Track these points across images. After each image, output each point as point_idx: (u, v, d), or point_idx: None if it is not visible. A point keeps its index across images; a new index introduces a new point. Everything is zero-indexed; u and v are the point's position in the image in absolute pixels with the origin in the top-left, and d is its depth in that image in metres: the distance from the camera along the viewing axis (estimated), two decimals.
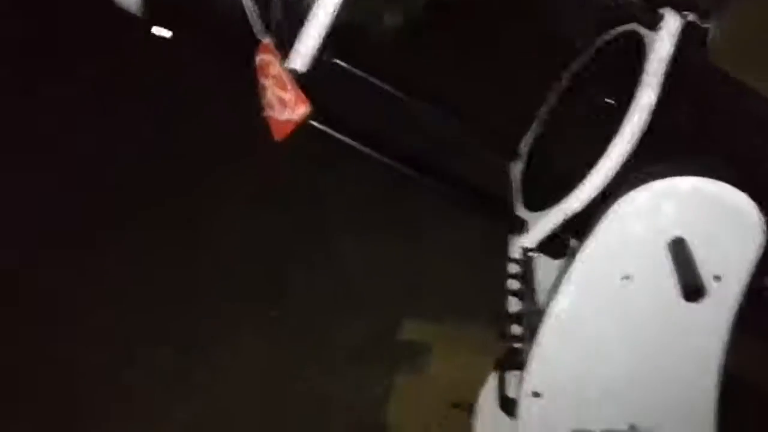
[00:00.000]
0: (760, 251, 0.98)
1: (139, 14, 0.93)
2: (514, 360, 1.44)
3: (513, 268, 1.46)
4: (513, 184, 1.26)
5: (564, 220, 1.02)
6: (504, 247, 1.32)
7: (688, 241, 0.96)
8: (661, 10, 1.01)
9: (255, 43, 0.87)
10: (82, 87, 2.90)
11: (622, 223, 0.97)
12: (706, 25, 1.01)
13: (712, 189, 0.93)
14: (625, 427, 1.23)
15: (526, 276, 1.39)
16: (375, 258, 2.30)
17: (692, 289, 0.91)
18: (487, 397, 1.64)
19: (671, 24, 0.99)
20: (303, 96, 0.87)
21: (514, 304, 1.43)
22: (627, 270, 1.01)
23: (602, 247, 1.00)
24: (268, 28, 0.86)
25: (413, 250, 2.32)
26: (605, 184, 0.97)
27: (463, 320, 1.98)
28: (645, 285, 1.01)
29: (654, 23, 1.00)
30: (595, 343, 1.10)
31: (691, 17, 1.00)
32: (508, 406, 1.48)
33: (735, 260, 0.97)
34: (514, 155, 1.28)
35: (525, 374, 1.17)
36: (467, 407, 1.70)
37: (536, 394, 1.17)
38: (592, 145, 1.14)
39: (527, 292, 1.38)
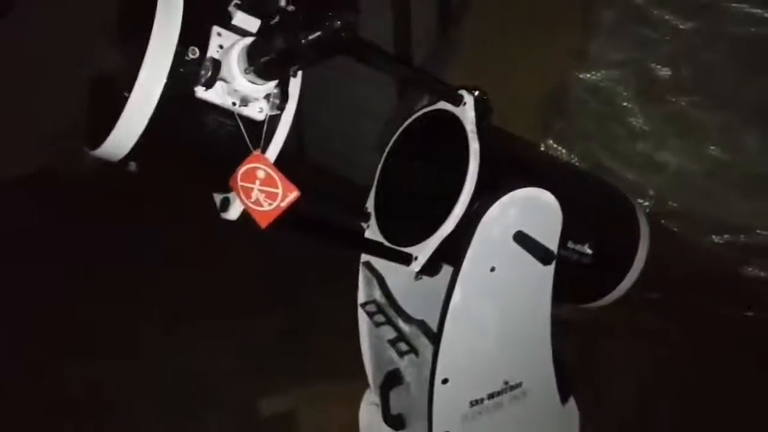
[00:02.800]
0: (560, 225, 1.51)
1: (128, 164, 1.14)
2: (396, 378, 1.81)
3: (371, 308, 1.84)
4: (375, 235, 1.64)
5: (442, 240, 1.42)
6: None
7: (526, 231, 1.47)
8: (459, 91, 1.50)
9: (242, 158, 1.15)
10: None
11: (485, 231, 1.39)
12: (486, 97, 1.54)
13: (534, 193, 1.40)
14: (502, 385, 1.67)
15: (393, 304, 1.78)
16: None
17: (547, 255, 1.40)
18: (370, 427, 1.91)
19: (470, 99, 1.47)
20: (292, 185, 1.16)
21: (388, 333, 1.80)
22: (492, 263, 1.44)
23: (474, 250, 1.40)
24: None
25: None
26: (465, 209, 1.42)
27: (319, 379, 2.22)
28: (504, 270, 1.44)
29: (458, 100, 1.50)
30: (480, 323, 1.48)
31: (477, 93, 1.53)
32: (396, 421, 1.83)
33: (552, 235, 1.45)
34: (366, 215, 1.69)
35: (435, 367, 1.53)
36: None
37: (445, 381, 1.49)
38: (430, 187, 1.60)
39: (398, 315, 1.75)
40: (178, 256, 2.86)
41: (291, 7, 1.10)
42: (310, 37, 0.96)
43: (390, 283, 1.71)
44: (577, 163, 2.46)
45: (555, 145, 2.51)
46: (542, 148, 2.51)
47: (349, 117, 3.27)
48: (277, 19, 1.11)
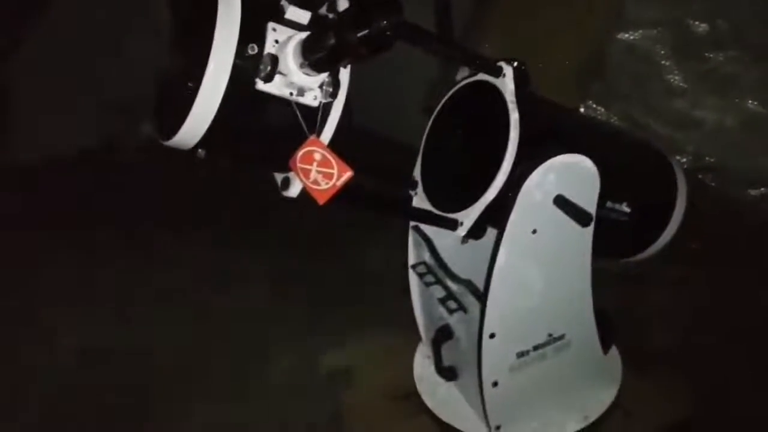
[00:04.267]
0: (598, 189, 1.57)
1: (197, 151, 1.25)
2: (446, 333, 1.93)
3: (421, 269, 1.95)
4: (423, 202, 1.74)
5: (486, 205, 1.49)
6: None
7: (565, 195, 1.54)
8: (498, 63, 1.56)
9: (300, 142, 1.26)
10: None
11: (526, 196, 1.46)
12: (524, 68, 1.60)
13: (572, 159, 1.48)
14: (546, 337, 1.76)
15: (441, 265, 1.88)
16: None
17: (584, 218, 1.48)
18: (422, 379, 2.04)
19: (509, 70, 1.54)
20: (346, 165, 1.26)
21: (438, 292, 1.91)
22: (534, 226, 1.52)
23: (517, 214, 1.48)
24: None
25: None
26: (507, 176, 1.50)
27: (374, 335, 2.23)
28: (545, 232, 1.53)
29: (498, 72, 1.57)
30: (524, 282, 1.58)
31: (515, 64, 1.59)
32: (448, 372, 1.96)
33: (590, 197, 1.53)
34: (414, 183, 1.78)
35: (483, 323, 1.62)
36: (408, 396, 2.01)
37: (492, 335, 1.60)
38: (473, 155, 1.68)
39: (447, 275, 1.86)
40: (224, 219, 2.98)
41: (344, 0, 1.19)
42: (359, 35, 1.04)
43: (438, 245, 1.81)
44: (616, 123, 2.52)
45: (594, 106, 2.56)
46: (582, 110, 2.57)
47: (393, 78, 3.31)
48: (326, 12, 1.20)
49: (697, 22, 2.46)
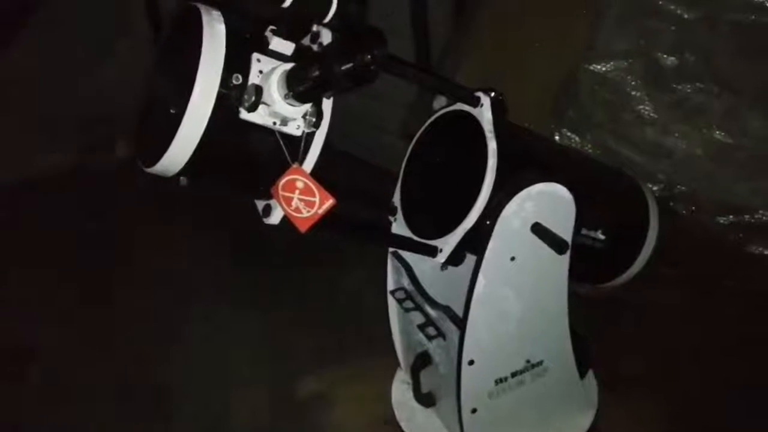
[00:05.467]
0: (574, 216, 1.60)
1: (180, 179, 1.25)
2: (425, 359, 1.93)
3: (400, 295, 1.95)
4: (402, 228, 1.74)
5: (465, 233, 1.51)
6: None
7: (542, 222, 1.56)
8: (476, 93, 1.59)
9: (282, 171, 1.26)
10: None
11: (505, 223, 1.48)
12: (501, 98, 1.62)
13: (549, 188, 1.49)
14: (524, 363, 1.76)
15: (420, 291, 1.88)
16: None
17: (561, 245, 1.49)
18: (401, 404, 2.03)
19: (486, 100, 1.56)
20: (328, 193, 1.27)
21: (417, 318, 1.91)
22: (512, 254, 1.53)
23: (495, 242, 1.49)
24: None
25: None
26: (486, 203, 1.51)
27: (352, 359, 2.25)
28: (523, 259, 1.54)
29: (476, 101, 1.59)
30: (502, 308, 1.58)
31: (493, 94, 1.61)
32: (426, 399, 1.95)
33: (566, 225, 1.55)
34: (393, 210, 1.79)
35: (462, 350, 1.62)
36: (387, 422, 1.99)
37: (471, 362, 1.60)
38: (452, 183, 1.69)
39: (426, 302, 1.86)
40: (197, 240, 2.95)
41: (327, 32, 1.20)
42: (344, 68, 1.05)
43: (417, 271, 1.81)
44: (589, 151, 2.58)
45: (569, 134, 2.62)
46: (557, 137, 2.62)
47: (372, 102, 3.32)
48: (309, 44, 1.21)
49: (665, 55, 2.54)
